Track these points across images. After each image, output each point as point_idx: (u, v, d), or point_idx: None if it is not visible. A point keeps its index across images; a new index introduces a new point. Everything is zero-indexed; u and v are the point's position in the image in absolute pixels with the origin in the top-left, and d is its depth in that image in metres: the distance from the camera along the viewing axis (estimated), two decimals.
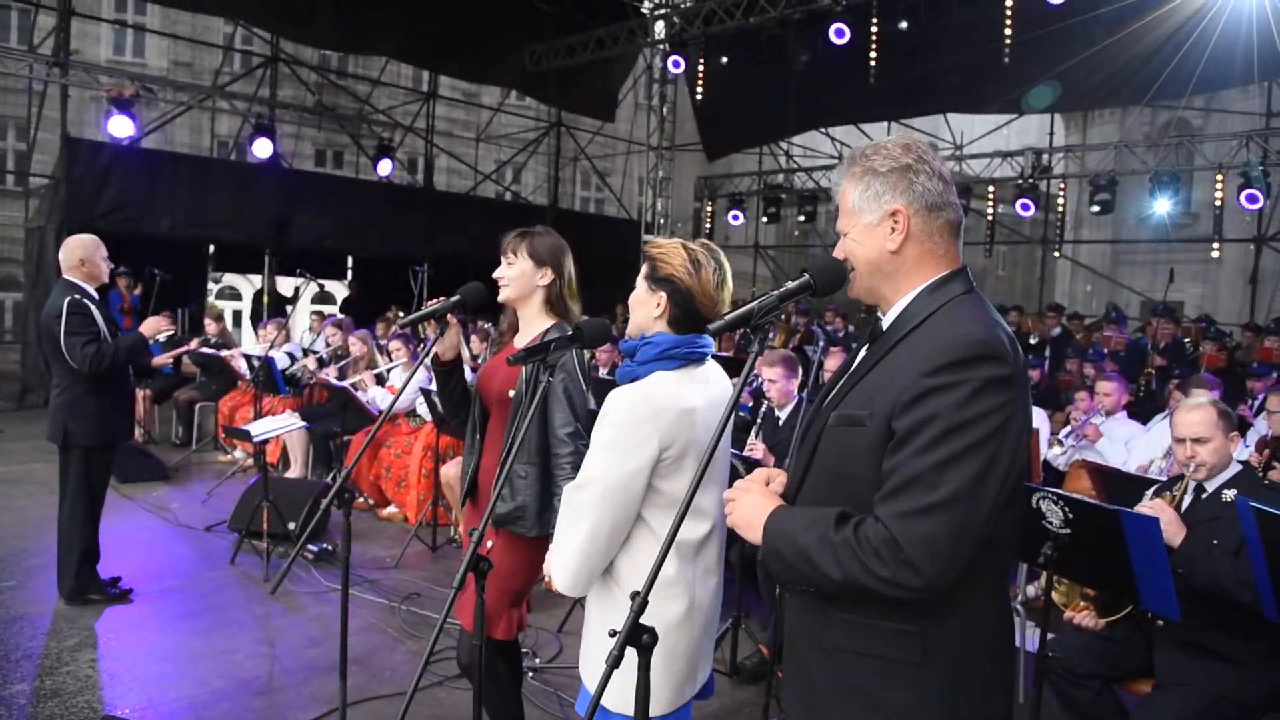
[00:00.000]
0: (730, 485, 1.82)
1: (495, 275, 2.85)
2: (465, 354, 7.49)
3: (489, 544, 2.77)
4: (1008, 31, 10.70)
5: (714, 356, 2.33)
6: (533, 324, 2.88)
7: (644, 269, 2.29)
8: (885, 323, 1.74)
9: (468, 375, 3.17)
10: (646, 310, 2.27)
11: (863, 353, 1.79)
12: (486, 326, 8.89)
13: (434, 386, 3.10)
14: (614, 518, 2.09)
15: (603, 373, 7.66)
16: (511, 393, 2.77)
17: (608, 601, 2.19)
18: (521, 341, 2.88)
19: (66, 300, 4.59)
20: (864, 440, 1.62)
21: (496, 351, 2.97)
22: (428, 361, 2.99)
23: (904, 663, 1.63)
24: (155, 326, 4.96)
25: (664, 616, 2.11)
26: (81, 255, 4.72)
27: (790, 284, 1.69)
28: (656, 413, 2.08)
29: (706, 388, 2.21)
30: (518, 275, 2.84)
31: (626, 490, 2.07)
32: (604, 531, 2.08)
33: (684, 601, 2.15)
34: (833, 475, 1.69)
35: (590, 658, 2.25)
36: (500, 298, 2.88)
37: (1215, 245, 12.68)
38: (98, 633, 4.51)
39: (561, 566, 2.14)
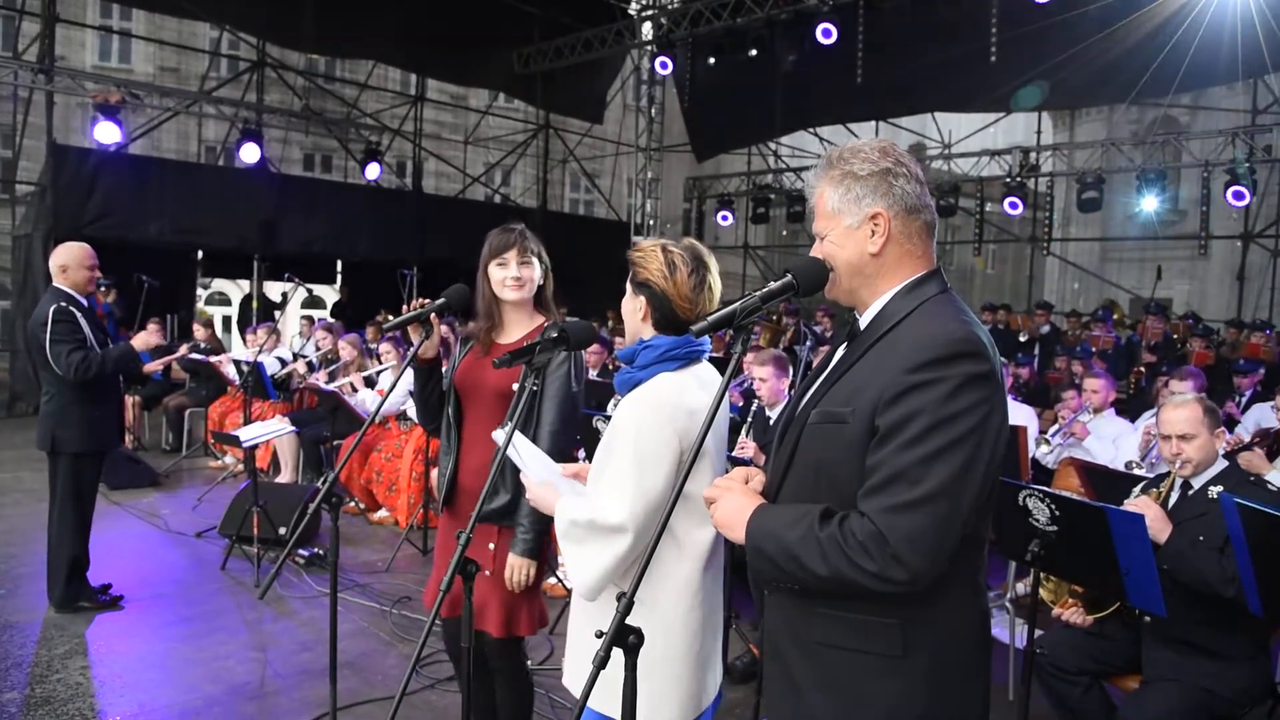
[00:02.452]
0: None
1: (516, 275, 2.79)
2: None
3: (491, 546, 2.75)
4: (994, 30, 10.74)
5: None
6: (522, 323, 2.89)
7: (630, 273, 2.31)
8: (863, 322, 1.77)
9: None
10: (633, 315, 2.30)
11: (840, 351, 1.81)
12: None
13: None
14: (649, 526, 2.07)
15: (592, 374, 7.66)
16: (515, 386, 2.74)
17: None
18: (507, 340, 2.89)
19: (52, 308, 4.58)
20: (846, 437, 1.64)
21: (482, 353, 2.94)
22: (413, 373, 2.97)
23: (887, 656, 1.65)
24: (146, 341, 4.95)
25: (689, 625, 2.14)
26: (63, 262, 4.71)
27: (773, 284, 1.70)
28: (672, 415, 2.10)
29: (707, 388, 2.22)
30: (535, 277, 2.85)
31: (662, 498, 2.06)
32: (640, 541, 2.06)
33: (705, 608, 2.18)
34: (815, 472, 1.70)
35: (582, 665, 2.26)
36: (515, 298, 2.83)
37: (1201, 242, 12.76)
38: (88, 640, 4.50)
39: (589, 576, 2.10)
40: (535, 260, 2.84)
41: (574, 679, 2.32)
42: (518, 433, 2.28)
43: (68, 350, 4.56)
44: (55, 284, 4.72)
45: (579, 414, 2.87)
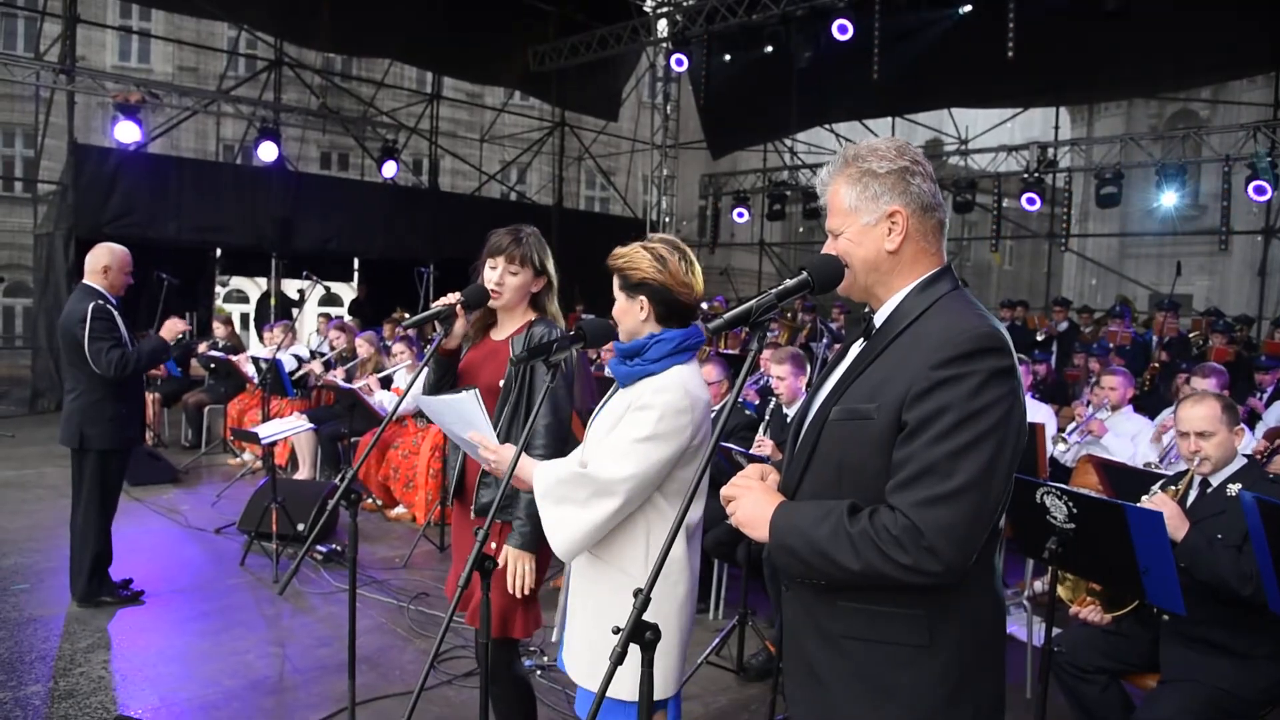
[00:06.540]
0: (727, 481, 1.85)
1: (493, 283, 2.82)
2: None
3: (493, 544, 2.78)
4: (1011, 25, 10.67)
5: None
6: (514, 320, 2.93)
7: (616, 281, 2.39)
8: (878, 319, 1.78)
9: None
10: (632, 318, 2.37)
11: (857, 348, 1.82)
12: None
13: None
14: (636, 502, 2.22)
15: (608, 372, 7.63)
16: (501, 382, 2.79)
17: (607, 584, 2.27)
18: (501, 336, 2.93)
19: (91, 305, 4.61)
20: (871, 433, 1.66)
21: (472, 345, 2.98)
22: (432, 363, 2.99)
23: (911, 646, 1.67)
24: (173, 330, 4.98)
25: (676, 597, 2.26)
26: (107, 263, 4.75)
27: (788, 282, 1.71)
28: (692, 405, 2.23)
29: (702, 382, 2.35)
30: (520, 286, 2.85)
31: (657, 478, 2.21)
32: (623, 513, 2.21)
33: (687, 583, 2.29)
34: (837, 469, 1.72)
35: (586, 647, 2.29)
36: (496, 304, 2.86)
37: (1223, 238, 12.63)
38: (110, 634, 4.55)
39: (569, 534, 2.21)
40: (526, 268, 2.84)
41: (568, 658, 2.42)
42: (474, 399, 2.39)
43: (107, 347, 4.60)
44: (87, 282, 4.75)
45: (570, 407, 2.86)
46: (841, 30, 11.71)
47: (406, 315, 10.99)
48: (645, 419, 2.19)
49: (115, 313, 4.70)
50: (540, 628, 2.93)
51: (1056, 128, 15.96)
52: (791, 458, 1.83)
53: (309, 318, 16.17)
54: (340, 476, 7.52)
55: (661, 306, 2.33)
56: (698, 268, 2.40)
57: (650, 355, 2.27)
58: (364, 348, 8.03)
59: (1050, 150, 14.45)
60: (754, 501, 1.75)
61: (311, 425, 7.07)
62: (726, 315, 1.68)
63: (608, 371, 2.47)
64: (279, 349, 8.44)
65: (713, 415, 2.34)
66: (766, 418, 5.37)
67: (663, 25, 14.55)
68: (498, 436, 2.64)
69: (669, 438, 2.19)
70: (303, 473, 7.91)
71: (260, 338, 11.63)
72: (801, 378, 5.22)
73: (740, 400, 5.74)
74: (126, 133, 11.53)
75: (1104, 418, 5.80)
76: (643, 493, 2.21)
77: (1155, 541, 2.77)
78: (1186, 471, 3.31)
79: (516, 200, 19.11)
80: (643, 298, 2.33)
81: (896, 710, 1.68)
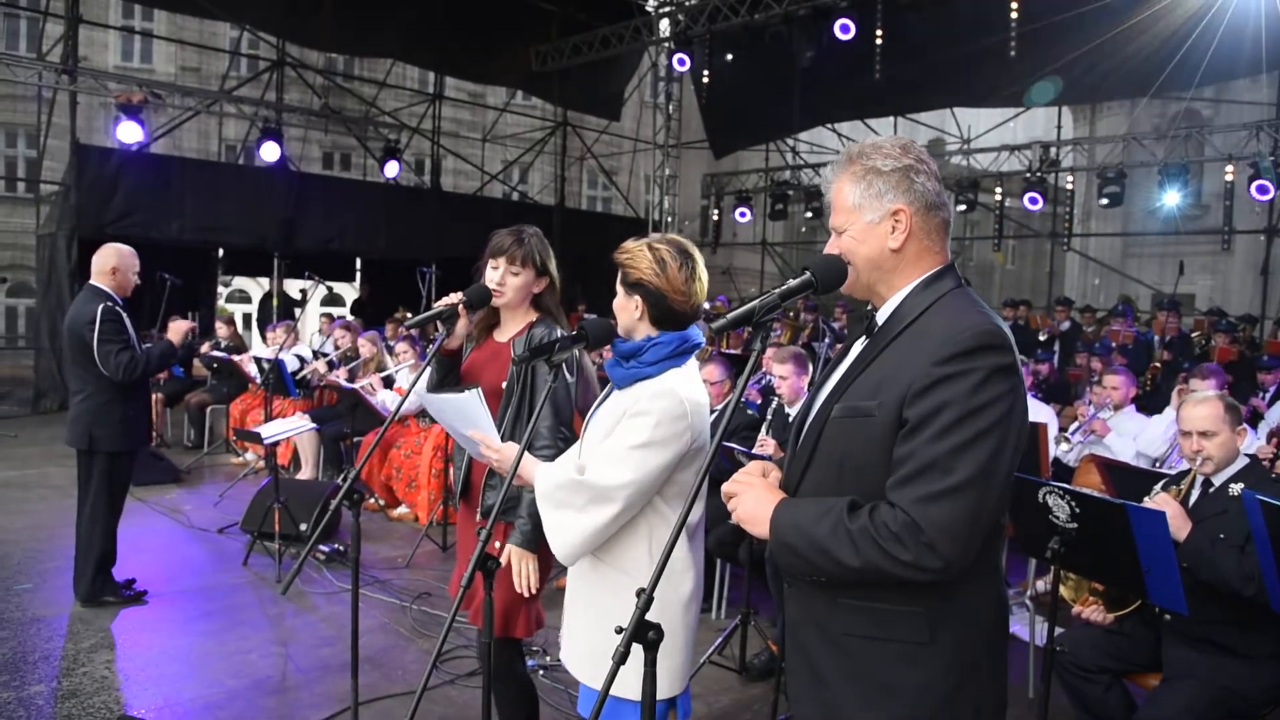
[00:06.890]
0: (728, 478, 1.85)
1: (495, 284, 2.83)
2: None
3: (497, 544, 2.79)
4: (1013, 24, 10.66)
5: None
6: (517, 321, 2.94)
7: (619, 274, 2.38)
8: (880, 316, 1.79)
9: None
10: (628, 315, 2.36)
11: (859, 346, 1.82)
12: None
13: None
14: (636, 507, 2.20)
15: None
16: (504, 384, 2.80)
17: (610, 586, 2.27)
18: (504, 337, 2.94)
19: (100, 307, 4.60)
20: (873, 430, 1.66)
21: (475, 346, 2.99)
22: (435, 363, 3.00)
23: (913, 644, 1.67)
24: (181, 331, 4.98)
25: (680, 596, 2.25)
26: (115, 264, 4.74)
27: (792, 282, 1.72)
28: (689, 410, 2.21)
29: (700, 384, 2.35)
30: (522, 285, 2.86)
31: (655, 484, 2.19)
32: (622, 519, 2.19)
33: (691, 581, 2.28)
34: (840, 466, 1.72)
35: (589, 649, 2.30)
36: (498, 303, 2.88)
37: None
38: (114, 634, 4.56)
39: (569, 539, 2.21)
40: (527, 268, 2.85)
41: (571, 658, 2.42)
42: (477, 398, 2.39)
43: (116, 350, 4.59)
44: (94, 283, 4.73)
45: (573, 407, 2.87)
46: (844, 30, 11.71)
47: (409, 315, 11.00)
48: (642, 425, 2.17)
49: (124, 314, 4.70)
50: (542, 627, 2.94)
51: (1059, 127, 15.95)
52: (793, 455, 1.83)
53: (311, 318, 16.18)
54: (343, 476, 7.52)
55: (655, 310, 2.30)
56: (702, 276, 2.35)
57: (647, 358, 2.26)
58: (366, 347, 8.03)
59: (1053, 149, 14.45)
60: (755, 499, 1.75)
61: (314, 425, 7.07)
62: (730, 315, 1.68)
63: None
64: (281, 349, 8.45)
65: (714, 416, 2.32)
66: (769, 417, 5.37)
67: (665, 25, 14.55)
68: (501, 438, 2.64)
69: (666, 443, 2.17)
70: (305, 473, 7.92)
71: (263, 338, 11.64)
72: (804, 377, 5.21)
73: (743, 400, 5.74)
74: (129, 133, 11.55)
75: (1106, 417, 5.80)
76: (641, 499, 2.20)
77: (1158, 541, 2.77)
78: (1189, 471, 3.31)
79: (519, 200, 19.13)
80: (638, 297, 2.32)
81: (898, 709, 1.68)
